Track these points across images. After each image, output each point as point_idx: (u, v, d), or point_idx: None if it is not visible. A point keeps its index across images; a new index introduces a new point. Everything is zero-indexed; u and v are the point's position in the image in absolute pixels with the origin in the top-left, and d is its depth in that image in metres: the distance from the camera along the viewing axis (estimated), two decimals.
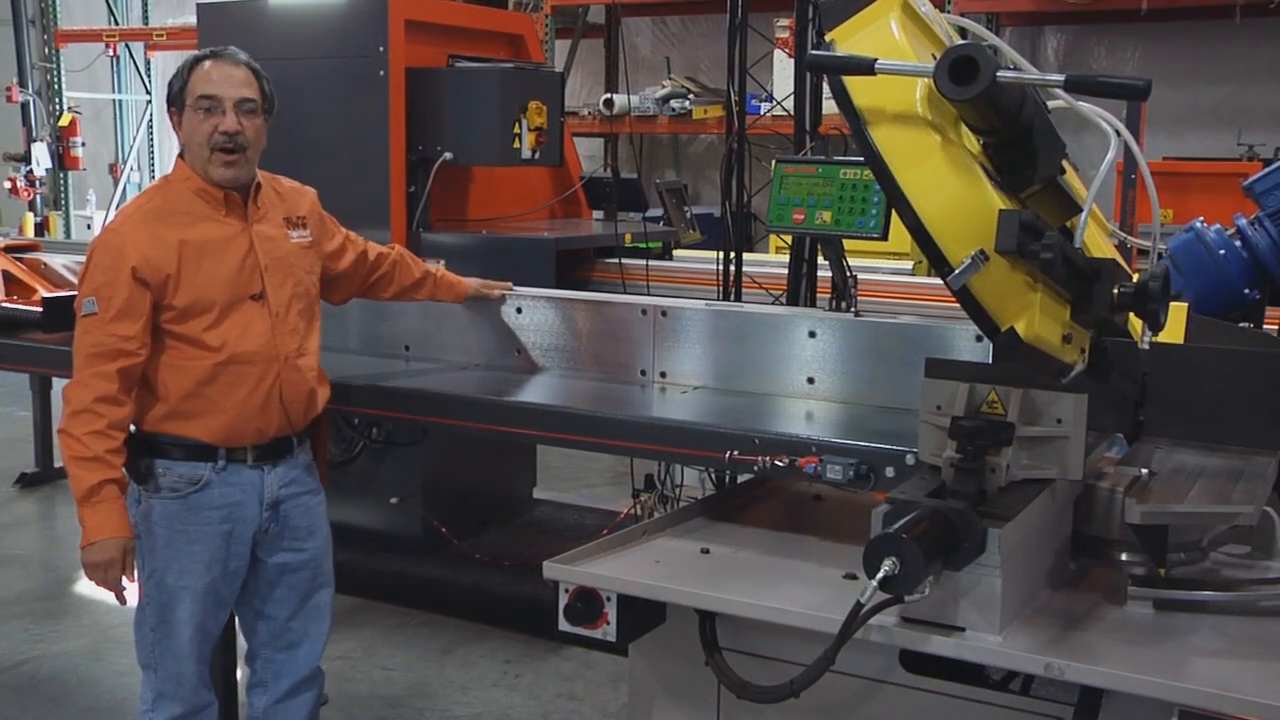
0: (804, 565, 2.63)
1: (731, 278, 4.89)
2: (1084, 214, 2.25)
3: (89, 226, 12.96)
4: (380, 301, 3.67)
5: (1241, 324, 3.65)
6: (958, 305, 2.14)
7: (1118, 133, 2.26)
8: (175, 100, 3.06)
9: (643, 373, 3.63)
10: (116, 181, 13.77)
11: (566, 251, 5.33)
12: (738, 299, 4.85)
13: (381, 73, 5.20)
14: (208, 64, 3.03)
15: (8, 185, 12.47)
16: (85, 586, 5.61)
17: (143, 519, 3.08)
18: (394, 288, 3.57)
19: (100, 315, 2.94)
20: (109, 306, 2.93)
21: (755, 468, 2.85)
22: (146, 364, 3.01)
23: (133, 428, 3.08)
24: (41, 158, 12.33)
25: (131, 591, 3.00)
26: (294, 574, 3.22)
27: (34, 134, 12.69)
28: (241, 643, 3.41)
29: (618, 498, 6.25)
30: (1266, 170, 3.99)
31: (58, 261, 5.11)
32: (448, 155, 5.27)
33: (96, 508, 2.89)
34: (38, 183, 12.43)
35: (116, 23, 14.22)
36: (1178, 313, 2.90)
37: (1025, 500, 2.26)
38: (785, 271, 4.68)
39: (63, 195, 13.29)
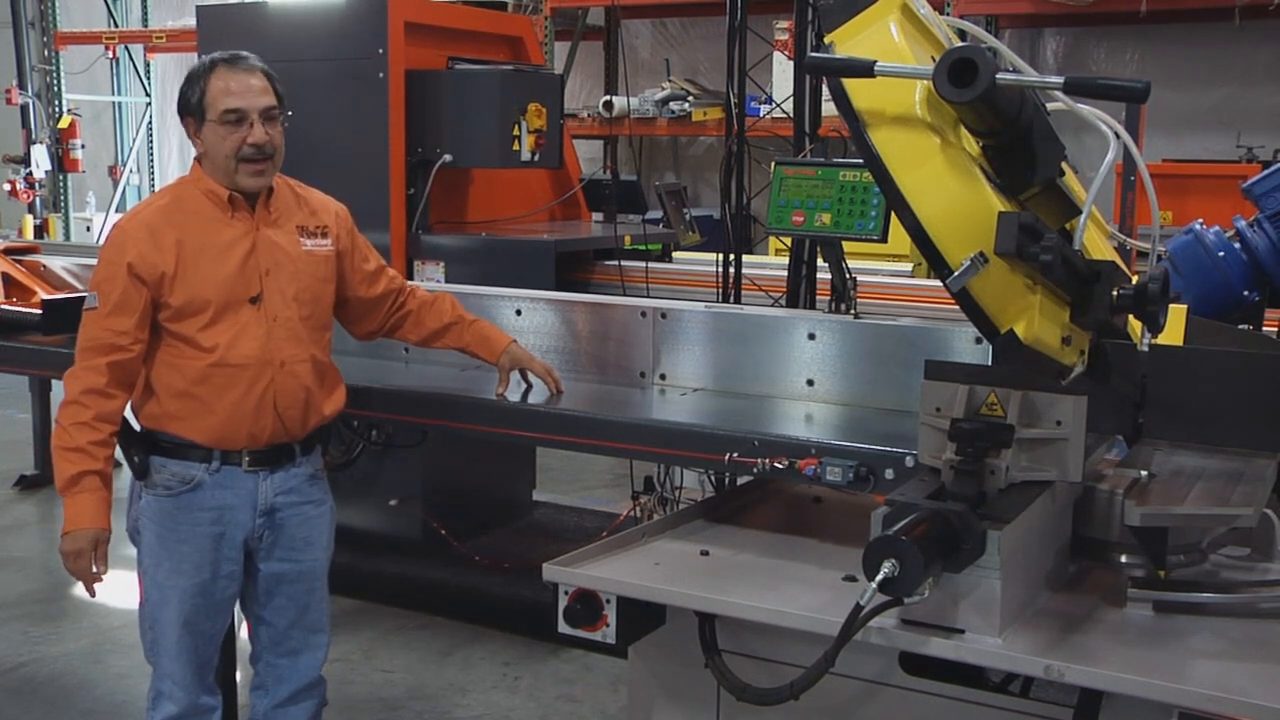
0: (803, 567, 2.63)
1: (731, 280, 4.89)
2: (1083, 216, 2.25)
3: (88, 229, 12.97)
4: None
5: (1241, 326, 3.65)
6: (957, 307, 2.14)
7: (1117, 135, 2.26)
8: (194, 111, 3.04)
9: (642, 375, 3.63)
10: (116, 184, 13.78)
11: (566, 253, 5.33)
12: (737, 301, 4.85)
13: (381, 75, 5.20)
14: (225, 73, 3.01)
15: (7, 187, 12.48)
16: (84, 589, 5.61)
17: (141, 515, 3.12)
18: (420, 330, 3.42)
19: (99, 310, 3.00)
20: (107, 301, 2.99)
21: (755, 470, 2.84)
22: (147, 361, 3.04)
23: (136, 425, 3.11)
24: (41, 160, 12.34)
25: (102, 583, 3.04)
26: (291, 584, 3.21)
27: (33, 136, 12.71)
28: (245, 644, 3.41)
29: (617, 500, 6.25)
30: (1266, 172, 3.99)
31: (57, 264, 5.11)
32: (447, 157, 5.27)
33: (75, 498, 2.97)
34: (37, 185, 12.44)
35: (116, 25, 14.23)
36: (1177, 315, 2.90)
37: (1025, 502, 2.26)
38: (785, 273, 4.68)
39: (62, 197, 13.29)
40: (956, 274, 2.04)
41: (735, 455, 2.88)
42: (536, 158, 5.43)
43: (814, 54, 2.25)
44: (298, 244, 3.13)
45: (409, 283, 3.50)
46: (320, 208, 3.24)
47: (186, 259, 2.99)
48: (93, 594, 3.07)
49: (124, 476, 3.19)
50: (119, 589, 3.40)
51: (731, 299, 4.87)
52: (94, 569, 2.99)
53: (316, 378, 3.14)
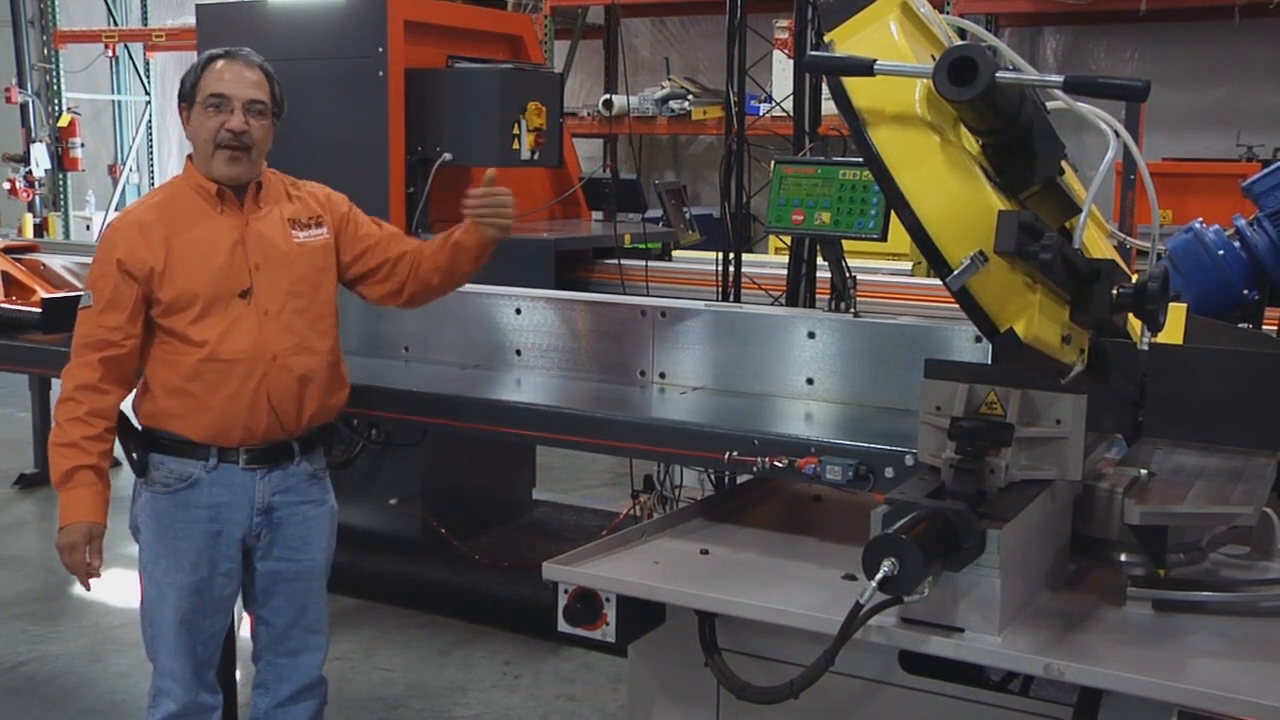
0: (803, 566, 2.62)
1: (731, 278, 4.89)
2: (1083, 215, 2.25)
3: (88, 227, 12.97)
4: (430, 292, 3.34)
5: (1240, 325, 3.65)
6: (957, 306, 2.13)
7: (1117, 133, 2.26)
8: (186, 97, 3.08)
9: (642, 373, 3.63)
10: (115, 182, 13.78)
11: (566, 252, 5.33)
12: (737, 300, 4.85)
13: (381, 73, 5.20)
14: (221, 63, 3.05)
15: (7, 186, 12.47)
16: (83, 587, 5.61)
17: (140, 512, 3.13)
18: (424, 262, 3.26)
19: (93, 307, 3.03)
20: (100, 298, 3.03)
21: (754, 468, 2.84)
22: (145, 359, 3.06)
23: (137, 423, 3.12)
24: (40, 159, 12.34)
25: (99, 577, 3.05)
26: (289, 584, 3.21)
27: (33, 135, 12.70)
28: (247, 641, 3.41)
29: (617, 498, 6.25)
30: (1265, 171, 3.98)
31: (57, 262, 5.11)
32: (447, 156, 5.27)
33: (70, 493, 3.00)
34: (37, 184, 12.44)
35: (116, 24, 14.23)
36: (1177, 313, 2.90)
37: (1024, 501, 2.26)
38: (784, 272, 4.68)
39: (62, 196, 13.29)
40: (956, 272, 2.04)
41: (735, 454, 2.88)
42: (536, 156, 5.44)
43: (814, 53, 2.25)
44: (290, 237, 3.13)
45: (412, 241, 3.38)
46: (312, 199, 3.24)
47: (175, 254, 3.01)
48: (88, 588, 3.08)
49: (126, 475, 3.20)
50: (118, 587, 3.40)
51: (731, 298, 4.87)
52: (89, 563, 3.00)
53: (312, 371, 3.13)
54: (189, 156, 3.13)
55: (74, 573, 3.03)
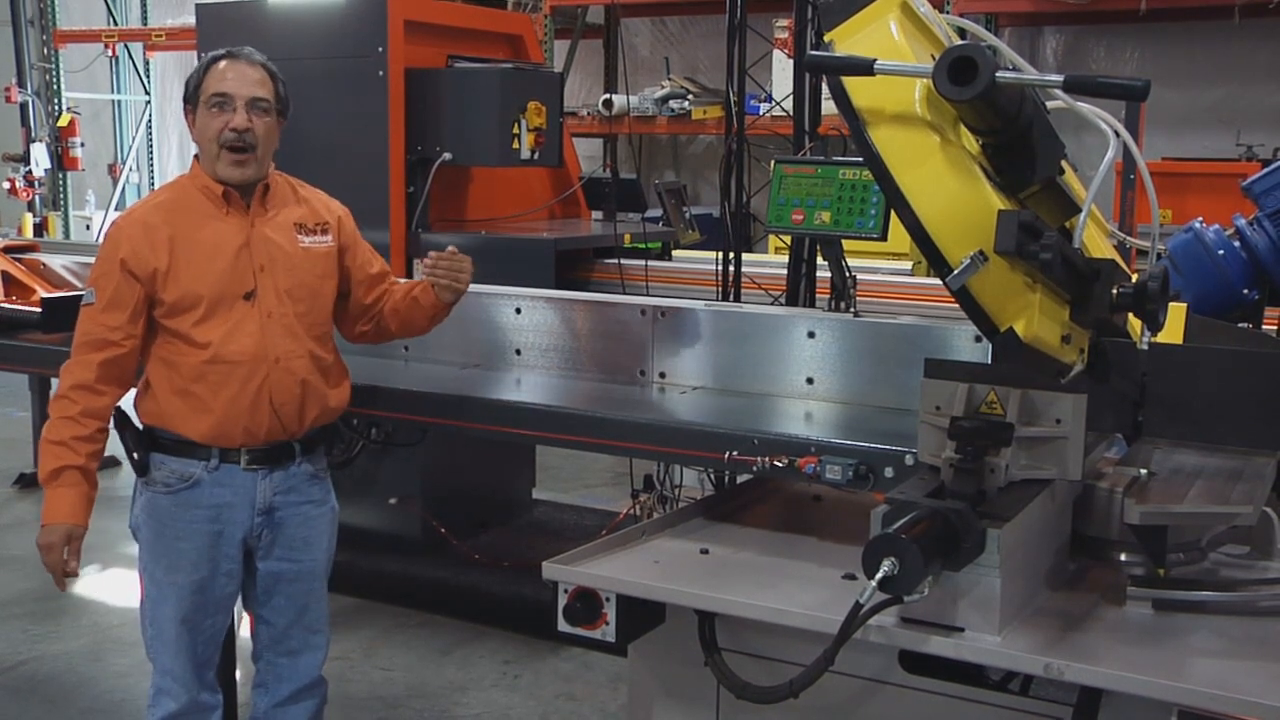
0: (803, 566, 2.62)
1: (731, 278, 4.89)
2: (1083, 214, 2.25)
3: (88, 227, 12.98)
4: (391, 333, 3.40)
5: (1240, 324, 3.65)
6: (957, 306, 2.14)
7: (1117, 133, 2.26)
8: (190, 98, 3.08)
9: (642, 373, 3.63)
10: (115, 182, 13.78)
11: (566, 252, 5.33)
12: (737, 299, 4.86)
13: (381, 73, 5.20)
14: (224, 63, 3.05)
15: (7, 186, 12.48)
16: (83, 587, 5.62)
17: (140, 512, 3.13)
18: (396, 318, 3.31)
19: (95, 306, 3.03)
20: (102, 296, 3.03)
21: (754, 468, 2.84)
22: (147, 359, 3.06)
23: (138, 423, 3.12)
24: (40, 158, 12.35)
25: (77, 577, 3.09)
26: (290, 584, 3.21)
27: (33, 134, 12.71)
28: (247, 641, 3.41)
29: (617, 498, 6.25)
30: (1265, 170, 3.98)
31: (57, 262, 5.11)
32: (447, 156, 5.27)
33: (55, 491, 3.01)
34: (36, 183, 12.45)
35: (115, 23, 14.23)
36: (1177, 313, 2.90)
37: (1024, 500, 2.26)
38: (784, 272, 4.69)
39: (62, 196, 13.30)
40: (956, 272, 2.04)
41: (735, 453, 2.88)
42: (536, 156, 5.44)
43: (814, 52, 2.25)
44: (294, 240, 3.13)
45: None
46: (323, 207, 3.24)
47: (179, 255, 3.00)
48: (62, 588, 3.10)
49: (126, 474, 3.19)
50: (117, 587, 3.41)
51: (731, 297, 4.87)
52: (66, 563, 3.01)
53: (314, 374, 3.13)
54: (196, 156, 3.13)
55: (51, 572, 3.05)
